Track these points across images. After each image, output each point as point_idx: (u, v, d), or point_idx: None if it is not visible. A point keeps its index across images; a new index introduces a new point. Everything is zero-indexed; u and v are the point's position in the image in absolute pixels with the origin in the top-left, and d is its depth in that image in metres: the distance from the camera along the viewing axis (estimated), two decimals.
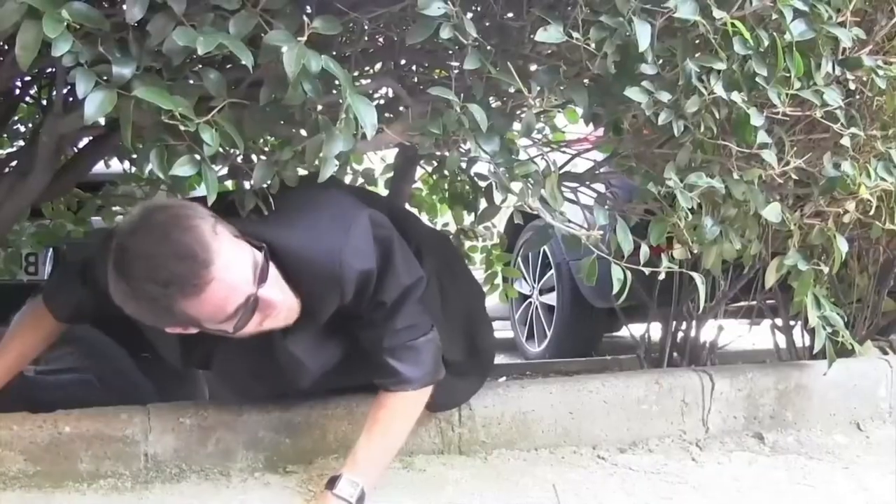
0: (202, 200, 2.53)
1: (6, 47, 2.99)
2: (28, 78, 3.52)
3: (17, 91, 3.67)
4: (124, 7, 2.27)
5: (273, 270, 2.56)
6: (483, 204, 3.65)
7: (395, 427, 2.83)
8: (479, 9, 2.93)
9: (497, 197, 2.90)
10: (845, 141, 2.99)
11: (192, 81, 2.47)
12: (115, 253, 2.45)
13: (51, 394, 3.28)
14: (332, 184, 2.59)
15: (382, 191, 4.42)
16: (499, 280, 5.17)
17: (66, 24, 2.16)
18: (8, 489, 2.80)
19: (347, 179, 4.30)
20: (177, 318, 2.48)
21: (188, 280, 2.38)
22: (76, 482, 2.84)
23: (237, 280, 2.46)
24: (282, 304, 2.58)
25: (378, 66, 3.44)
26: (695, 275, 2.91)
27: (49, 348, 3.49)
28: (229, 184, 3.17)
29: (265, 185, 2.60)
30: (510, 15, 2.91)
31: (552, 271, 6.63)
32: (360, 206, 2.77)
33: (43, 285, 3.87)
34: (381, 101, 3.47)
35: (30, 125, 4.08)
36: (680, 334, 4.10)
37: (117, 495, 2.81)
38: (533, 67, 2.94)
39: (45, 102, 3.82)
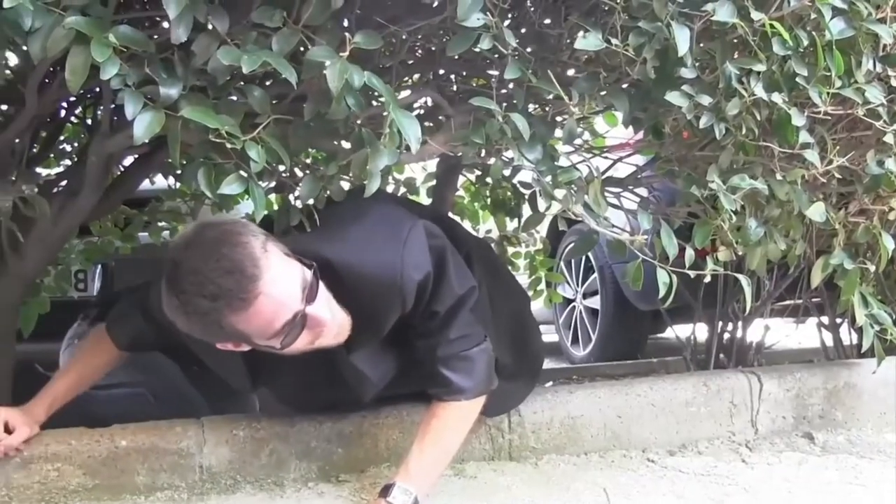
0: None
1: (53, 70, 3.03)
2: (73, 98, 3.57)
3: (63, 112, 3.72)
4: (165, 25, 2.30)
5: (323, 289, 2.58)
6: (525, 210, 3.67)
7: (447, 436, 2.83)
8: (516, 17, 2.94)
9: (541, 204, 2.92)
10: (888, 138, 2.96)
11: (236, 99, 2.50)
12: (168, 268, 2.48)
13: (105, 408, 3.32)
14: (379, 195, 2.61)
15: (424, 199, 4.44)
16: (542, 285, 5.18)
17: (112, 47, 2.19)
18: (69, 502, 2.85)
19: (389, 189, 4.32)
20: (226, 333, 2.51)
21: (235, 294, 2.40)
22: (133, 495, 2.89)
23: (285, 296, 2.47)
24: (331, 322, 2.59)
25: (416, 76, 3.47)
26: (741, 277, 2.92)
27: None
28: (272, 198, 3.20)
29: (311, 201, 2.63)
30: (547, 22, 2.93)
31: (595, 275, 6.62)
32: (413, 217, 2.79)
33: (93, 302, 3.94)
34: (420, 112, 3.49)
35: (75, 145, 4.13)
36: (726, 335, 4.09)
37: None
38: (570, 72, 2.96)
39: (89, 122, 3.87)
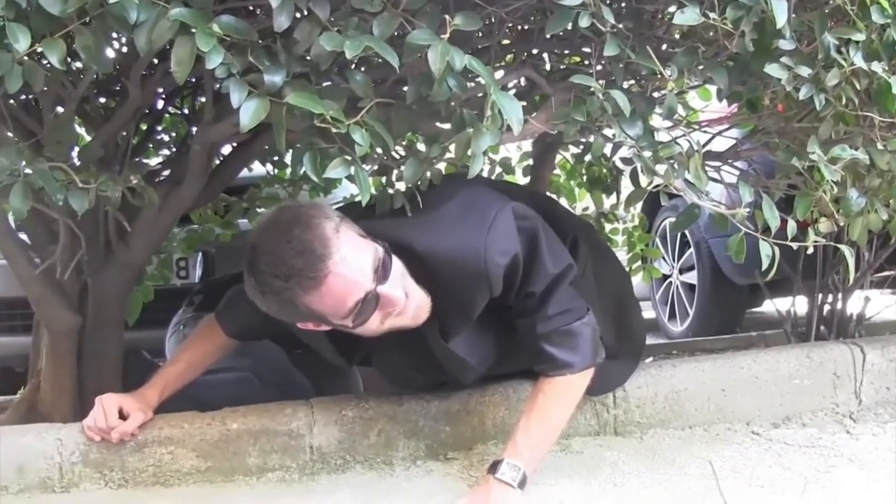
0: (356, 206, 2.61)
1: (154, 62, 3.09)
2: (170, 90, 3.63)
3: (161, 103, 3.78)
4: (262, 13, 2.33)
5: (397, 269, 2.62)
6: (623, 186, 3.66)
7: (554, 412, 2.83)
8: None
9: (643, 180, 2.92)
10: None
11: (338, 84, 2.53)
12: (247, 251, 2.58)
13: (213, 393, 3.38)
14: (472, 179, 2.63)
15: (520, 179, 4.45)
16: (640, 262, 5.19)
17: (216, 37, 2.23)
18: (182, 484, 2.92)
19: (485, 170, 4.33)
20: (301, 312, 2.58)
21: (305, 273, 2.47)
22: (245, 476, 2.95)
23: (355, 275, 2.52)
24: (405, 302, 2.62)
25: (510, 56, 3.48)
26: (843, 247, 2.90)
27: None
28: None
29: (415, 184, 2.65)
30: None
31: (691, 250, 6.59)
32: (503, 200, 2.80)
33: (197, 289, 4.00)
34: (514, 91, 3.50)
35: (173, 135, 4.20)
36: (826, 307, 4.06)
37: (286, 487, 2.91)
38: (664, 47, 2.96)
39: (187, 112, 3.93)
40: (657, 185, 2.78)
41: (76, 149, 3.00)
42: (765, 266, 2.73)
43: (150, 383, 3.04)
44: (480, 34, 2.95)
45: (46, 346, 3.45)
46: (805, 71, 2.64)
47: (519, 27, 3.25)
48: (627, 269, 4.79)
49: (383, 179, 3.15)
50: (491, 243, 2.67)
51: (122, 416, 2.92)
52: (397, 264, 2.62)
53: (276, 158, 4.41)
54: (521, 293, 2.79)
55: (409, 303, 2.64)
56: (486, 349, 2.94)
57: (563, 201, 4.73)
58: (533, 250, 2.77)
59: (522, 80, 3.45)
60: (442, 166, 2.86)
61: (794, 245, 2.80)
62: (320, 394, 3.29)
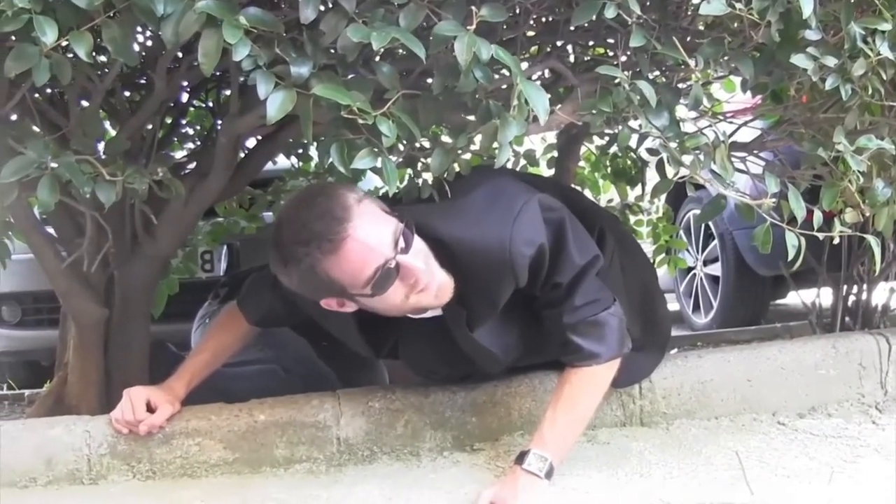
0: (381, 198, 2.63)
1: (179, 55, 3.10)
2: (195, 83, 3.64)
3: (186, 96, 3.79)
4: (287, 5, 2.33)
5: (419, 244, 2.63)
6: (648, 178, 3.66)
7: (581, 402, 2.83)
8: None
9: (669, 171, 2.92)
10: None
11: (365, 76, 2.53)
12: (273, 227, 2.62)
13: (239, 385, 3.40)
14: (498, 171, 2.63)
15: (545, 171, 4.45)
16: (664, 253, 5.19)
17: (243, 29, 2.24)
18: (210, 475, 2.94)
19: (510, 162, 4.32)
20: (322, 282, 2.57)
21: (324, 236, 2.48)
22: (273, 467, 2.96)
23: (373, 241, 2.53)
24: (426, 275, 2.62)
25: (534, 48, 3.47)
26: (869, 237, 2.89)
27: None
28: None
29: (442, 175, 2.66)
30: None
31: (715, 242, 6.58)
32: (529, 191, 2.80)
33: (222, 281, 4.01)
34: (539, 83, 3.50)
35: (198, 128, 4.21)
36: (851, 298, 4.05)
37: (313, 478, 2.92)
38: (689, 38, 2.95)
39: (212, 105, 3.94)
40: (683, 176, 2.78)
41: (102, 142, 3.01)
42: (791, 256, 2.73)
43: (176, 375, 3.05)
44: (506, 26, 2.94)
45: (73, 339, 3.47)
46: (831, 61, 2.63)
47: (544, 18, 3.24)
48: (652, 260, 4.79)
49: (409, 171, 3.15)
50: (517, 233, 2.67)
51: (150, 409, 2.93)
52: (419, 242, 2.63)
53: (300, 151, 4.42)
54: (547, 284, 2.79)
55: (432, 278, 2.64)
56: (511, 340, 2.94)
57: (588, 193, 4.73)
58: (559, 241, 2.77)
59: (547, 71, 3.45)
60: (467, 157, 2.87)
61: (821, 235, 2.79)
62: (346, 386, 3.31)
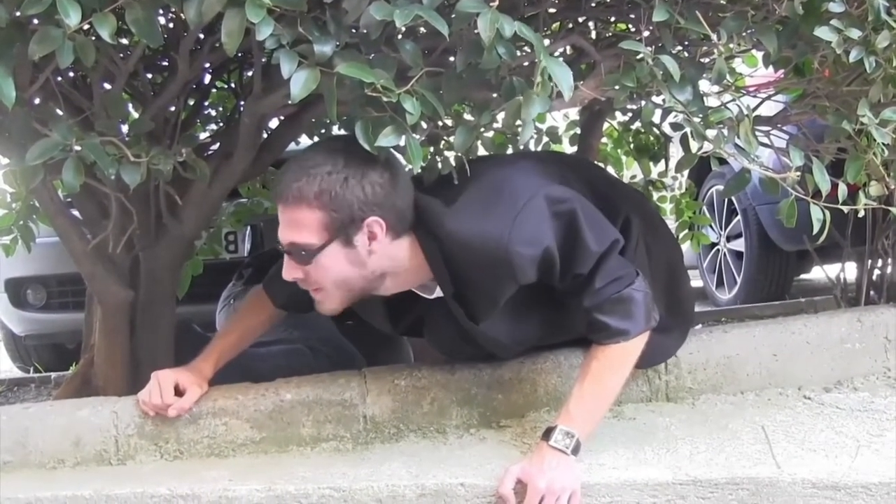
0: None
1: (200, 37, 3.10)
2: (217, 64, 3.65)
3: (208, 78, 3.80)
4: None
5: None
6: (671, 153, 3.65)
7: (608, 378, 2.80)
8: None
9: (693, 145, 2.91)
10: None
11: (388, 54, 2.53)
12: None
13: (265, 364, 3.41)
14: (519, 154, 2.62)
15: (567, 148, 4.45)
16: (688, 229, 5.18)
17: (266, 8, 2.24)
18: (237, 455, 2.95)
19: (532, 139, 4.30)
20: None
21: (282, 182, 2.63)
22: (300, 446, 2.97)
23: (293, 221, 2.62)
24: (305, 284, 2.72)
25: (556, 25, 3.47)
26: (895, 210, 2.88)
27: None
28: None
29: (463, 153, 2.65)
30: None
31: (738, 217, 6.57)
32: (537, 186, 2.77)
33: (246, 262, 4.02)
34: (561, 59, 3.49)
35: (220, 109, 4.22)
36: (876, 272, 4.04)
37: (340, 456, 2.92)
38: (710, 13, 2.94)
39: (234, 86, 3.95)
40: (706, 151, 2.77)
41: (125, 125, 3.02)
42: (815, 230, 2.72)
43: (203, 356, 3.06)
44: (528, 2, 2.94)
45: (99, 321, 3.48)
46: (855, 33, 2.62)
47: None
48: (676, 237, 4.78)
49: (431, 149, 3.15)
50: (516, 232, 2.66)
51: (178, 391, 2.94)
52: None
53: (323, 131, 4.42)
54: (566, 277, 2.78)
55: (321, 282, 2.73)
56: (530, 328, 2.95)
57: (611, 170, 4.72)
58: (573, 233, 2.74)
59: (569, 48, 3.45)
60: (490, 135, 2.86)
61: (845, 209, 2.79)
62: (372, 364, 3.31)
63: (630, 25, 3.29)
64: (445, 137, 2.78)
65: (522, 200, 2.70)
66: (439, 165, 2.77)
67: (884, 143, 2.78)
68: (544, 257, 2.70)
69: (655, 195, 4.90)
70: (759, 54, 3.32)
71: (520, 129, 2.44)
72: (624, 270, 2.80)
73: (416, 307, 2.94)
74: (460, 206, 2.72)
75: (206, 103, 4.04)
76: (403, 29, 2.57)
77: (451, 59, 2.67)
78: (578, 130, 4.26)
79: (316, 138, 4.39)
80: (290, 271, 2.70)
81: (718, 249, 7.00)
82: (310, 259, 2.64)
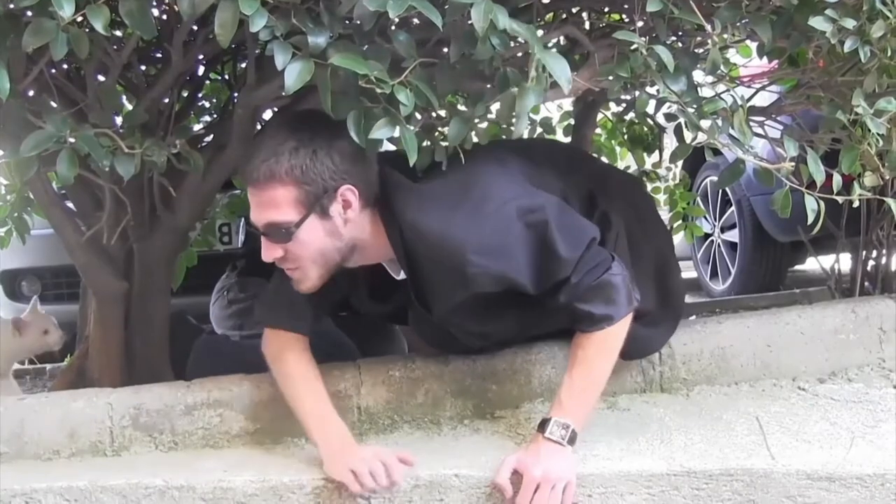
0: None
1: (194, 28, 3.10)
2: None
3: (202, 69, 3.80)
4: None
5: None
6: (665, 144, 3.65)
7: (596, 365, 2.79)
8: None
9: (687, 136, 2.91)
10: None
11: (381, 45, 2.53)
12: None
13: (258, 355, 3.41)
14: (506, 152, 2.62)
15: (561, 138, 4.44)
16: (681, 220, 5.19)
17: (260, 0, 2.24)
18: (231, 446, 2.96)
19: (526, 130, 4.29)
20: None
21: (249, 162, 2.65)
22: (294, 437, 2.96)
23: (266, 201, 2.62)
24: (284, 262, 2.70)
25: (550, 15, 3.47)
26: (889, 200, 2.89)
27: (251, 314, 3.62)
28: None
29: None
30: None
31: (732, 208, 6.57)
32: (511, 193, 2.72)
33: (239, 253, 4.02)
34: (555, 50, 3.48)
35: (214, 101, 4.21)
36: (871, 263, 4.04)
37: None
38: (704, 3, 2.94)
39: (227, 78, 3.95)
40: (700, 142, 2.77)
41: (119, 117, 3.02)
42: (810, 221, 2.72)
43: (339, 434, 2.80)
44: None
45: (94, 313, 3.49)
46: (850, 23, 2.61)
47: None
48: (669, 227, 4.78)
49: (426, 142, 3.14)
50: (477, 239, 2.63)
51: None
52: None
53: None
54: (542, 286, 2.74)
55: (300, 264, 2.70)
56: (498, 325, 2.93)
57: (604, 160, 4.71)
58: (547, 246, 2.69)
59: (562, 38, 3.45)
60: (484, 126, 2.86)
61: (840, 199, 2.79)
62: (366, 355, 3.31)
63: (624, 16, 3.30)
64: (440, 129, 2.77)
65: (492, 206, 2.68)
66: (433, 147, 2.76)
67: (878, 134, 2.77)
68: (505, 276, 2.68)
69: (649, 186, 4.90)
70: (753, 44, 3.31)
71: (514, 121, 2.44)
72: (599, 258, 2.76)
73: (398, 295, 2.93)
74: (427, 196, 2.70)
75: (200, 95, 4.04)
76: (397, 20, 2.57)
77: (445, 50, 2.66)
78: (572, 121, 4.25)
79: None
80: (269, 252, 2.67)
81: (713, 240, 7.00)
82: (290, 236, 2.62)
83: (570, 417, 2.69)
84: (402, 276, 2.86)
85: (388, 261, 2.87)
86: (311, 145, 2.56)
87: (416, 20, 2.83)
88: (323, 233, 2.65)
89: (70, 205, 3.37)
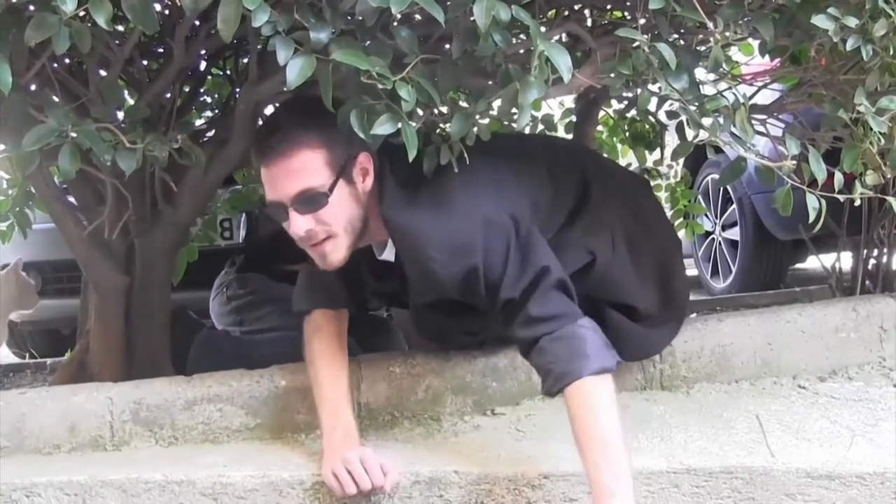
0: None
1: (196, 24, 3.10)
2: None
3: (204, 64, 3.80)
4: None
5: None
6: (667, 142, 3.64)
7: (597, 423, 2.47)
8: None
9: (689, 133, 2.91)
10: None
11: (384, 41, 2.53)
12: None
13: (260, 351, 3.41)
14: (504, 151, 2.64)
15: (563, 136, 4.44)
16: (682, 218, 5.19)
17: None
18: (232, 441, 2.96)
19: (527, 127, 4.28)
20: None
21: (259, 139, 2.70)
22: (294, 433, 2.97)
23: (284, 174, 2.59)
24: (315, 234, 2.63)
25: (552, 12, 3.47)
26: (891, 199, 2.89)
27: (251, 309, 3.62)
28: None
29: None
30: None
31: (734, 206, 6.57)
32: (483, 211, 2.66)
33: (240, 248, 4.02)
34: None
35: (216, 96, 4.21)
36: (871, 261, 4.04)
37: None
38: (706, 1, 2.94)
39: (229, 73, 3.95)
40: (702, 140, 2.77)
41: (121, 111, 3.02)
42: (811, 219, 2.72)
43: (341, 423, 2.78)
44: None
45: (95, 307, 3.49)
46: (852, 21, 2.61)
47: None
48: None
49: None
50: (448, 250, 2.62)
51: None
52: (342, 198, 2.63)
53: None
54: (492, 295, 2.66)
55: (334, 228, 2.63)
56: (477, 320, 2.91)
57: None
58: (502, 256, 2.63)
59: (564, 35, 3.44)
60: (486, 122, 2.85)
61: (841, 198, 2.79)
62: (366, 352, 3.31)
63: (626, 13, 3.30)
64: (441, 125, 2.77)
65: (465, 217, 2.65)
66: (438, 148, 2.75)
67: (880, 132, 2.77)
68: (468, 275, 2.63)
69: (651, 183, 4.90)
70: (755, 42, 3.31)
71: (516, 116, 2.44)
72: (568, 309, 2.63)
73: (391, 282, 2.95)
74: (418, 206, 2.68)
75: (202, 90, 4.04)
76: (399, 16, 2.57)
77: (447, 46, 2.65)
78: (574, 118, 4.25)
79: None
80: (299, 224, 2.58)
81: (713, 238, 7.00)
82: (325, 200, 2.57)
83: (618, 499, 2.37)
84: (384, 255, 2.85)
85: (378, 243, 2.86)
86: (327, 113, 2.51)
87: (418, 16, 2.83)
88: (350, 199, 2.64)
89: (71, 199, 3.37)
